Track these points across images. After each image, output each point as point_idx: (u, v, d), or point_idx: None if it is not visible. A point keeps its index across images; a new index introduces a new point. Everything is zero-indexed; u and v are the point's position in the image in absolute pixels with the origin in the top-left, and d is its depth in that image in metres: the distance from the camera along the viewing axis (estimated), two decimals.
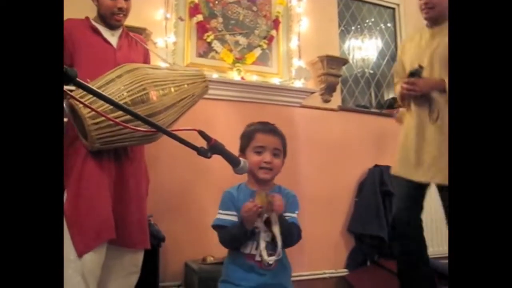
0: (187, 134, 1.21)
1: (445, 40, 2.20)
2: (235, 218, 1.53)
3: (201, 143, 1.26)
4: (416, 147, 2.23)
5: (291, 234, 1.50)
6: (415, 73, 2.21)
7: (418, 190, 2.28)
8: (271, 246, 1.48)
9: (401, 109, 2.60)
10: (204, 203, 2.94)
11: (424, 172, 2.18)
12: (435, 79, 2.19)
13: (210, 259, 2.65)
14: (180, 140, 1.19)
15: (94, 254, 1.79)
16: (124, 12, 2.07)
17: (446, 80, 2.11)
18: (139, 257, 2.06)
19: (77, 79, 0.90)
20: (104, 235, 1.82)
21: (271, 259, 1.46)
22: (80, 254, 1.76)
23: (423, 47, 2.31)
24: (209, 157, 1.27)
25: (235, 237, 1.49)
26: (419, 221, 2.33)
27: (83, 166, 1.85)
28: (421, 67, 2.21)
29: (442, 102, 2.16)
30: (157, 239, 2.43)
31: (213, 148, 1.27)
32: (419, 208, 2.32)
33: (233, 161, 1.35)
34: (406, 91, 2.22)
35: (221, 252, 2.76)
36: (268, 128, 1.61)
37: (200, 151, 1.25)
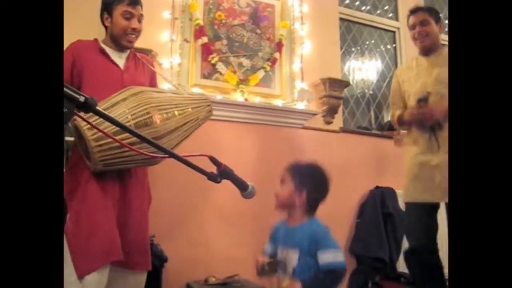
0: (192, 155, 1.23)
1: (444, 64, 2.29)
2: (268, 249, 1.73)
3: (205, 164, 1.28)
4: (427, 171, 2.30)
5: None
6: (422, 100, 2.29)
7: (431, 214, 2.33)
8: None
9: (401, 132, 2.65)
10: (206, 224, 2.95)
11: (441, 193, 2.23)
12: (445, 107, 2.24)
13: (212, 280, 2.65)
14: (189, 165, 1.21)
15: (97, 275, 1.77)
16: (137, 33, 2.11)
17: None
18: (142, 278, 2.05)
19: (97, 108, 0.93)
20: (109, 256, 1.80)
21: None
22: (80, 276, 1.73)
23: (424, 75, 2.38)
24: (218, 182, 1.29)
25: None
26: (436, 244, 2.35)
27: (86, 186, 1.85)
28: (428, 93, 2.29)
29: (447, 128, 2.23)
30: (160, 259, 2.44)
31: (223, 173, 1.29)
32: (435, 230, 2.35)
33: (241, 186, 1.36)
34: (418, 116, 2.31)
35: (223, 272, 2.78)
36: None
37: (210, 176, 1.26)
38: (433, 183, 2.26)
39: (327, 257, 1.53)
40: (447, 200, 2.23)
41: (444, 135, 2.27)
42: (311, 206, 1.68)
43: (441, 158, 2.25)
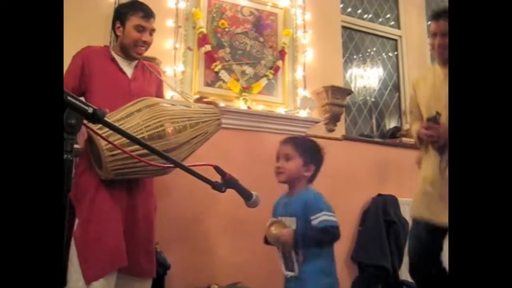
0: (195, 162, 1.26)
1: None
2: None
3: (209, 173, 1.29)
4: (436, 191, 2.20)
5: (313, 240, 1.68)
6: (432, 119, 2.20)
7: (438, 233, 2.23)
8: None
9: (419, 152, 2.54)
10: (209, 231, 2.95)
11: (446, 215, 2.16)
12: None
13: (214, 287, 2.65)
14: (195, 175, 1.23)
15: (104, 281, 1.79)
16: (147, 46, 2.13)
17: None
18: (147, 285, 2.07)
19: (105, 118, 0.94)
20: (116, 263, 1.83)
21: (288, 273, 1.74)
22: (88, 282, 1.76)
23: (438, 88, 2.30)
24: (223, 191, 1.31)
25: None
26: (441, 263, 2.28)
27: (95, 193, 1.88)
28: (438, 113, 2.18)
29: None
30: (163, 266, 2.44)
31: (228, 182, 1.31)
32: (440, 250, 2.26)
33: (245, 195, 1.38)
34: (425, 137, 2.22)
35: (226, 280, 2.79)
36: (282, 140, 1.92)
37: (215, 186, 1.28)
38: (436, 203, 2.18)
39: (319, 219, 1.67)
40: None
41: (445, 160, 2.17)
42: (312, 178, 1.86)
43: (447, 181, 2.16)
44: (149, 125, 1.80)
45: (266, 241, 1.82)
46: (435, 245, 2.24)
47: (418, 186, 2.37)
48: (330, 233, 1.68)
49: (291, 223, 1.73)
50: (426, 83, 2.41)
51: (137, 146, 1.49)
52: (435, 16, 2.33)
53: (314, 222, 1.67)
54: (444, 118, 2.16)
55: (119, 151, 1.68)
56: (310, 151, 1.85)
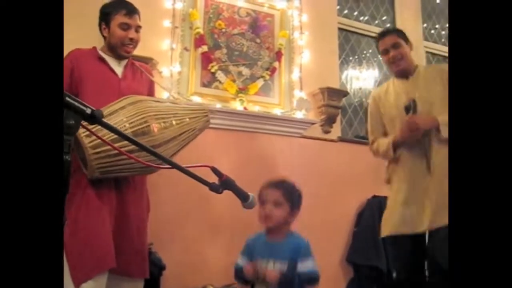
0: (191, 162, 1.26)
1: (424, 85, 2.27)
2: (243, 263, 1.82)
3: (205, 174, 1.29)
4: (417, 198, 2.20)
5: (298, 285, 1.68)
6: (409, 108, 2.21)
7: (420, 244, 2.23)
8: None
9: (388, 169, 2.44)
10: (204, 232, 2.95)
11: (432, 219, 2.12)
12: (431, 117, 2.18)
13: None
14: (192, 176, 1.22)
15: (94, 283, 1.78)
16: (134, 43, 2.12)
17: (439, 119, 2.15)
18: (139, 286, 2.06)
19: (103, 119, 0.94)
20: (104, 264, 1.81)
21: None
22: (77, 284, 1.75)
23: (402, 97, 2.32)
24: (220, 193, 1.31)
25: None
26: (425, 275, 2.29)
27: (83, 194, 1.86)
28: (414, 101, 2.22)
29: (439, 148, 2.17)
30: (158, 267, 2.44)
31: (225, 183, 1.30)
32: (423, 263, 2.27)
33: (242, 196, 1.38)
34: (407, 128, 2.19)
35: (221, 281, 2.79)
36: (269, 183, 1.83)
37: (212, 187, 1.28)
38: (416, 215, 2.18)
39: (308, 265, 1.69)
40: (433, 227, 2.12)
41: (436, 158, 2.17)
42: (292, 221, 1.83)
43: (432, 182, 2.17)
44: (133, 122, 1.80)
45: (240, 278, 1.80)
46: (418, 252, 2.24)
47: (391, 201, 2.35)
48: (314, 282, 1.70)
49: (280, 267, 1.71)
50: (387, 95, 2.41)
51: (124, 143, 1.49)
52: (380, 35, 2.42)
53: (301, 268, 1.68)
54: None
55: (103, 148, 1.69)
56: (296, 198, 1.83)
